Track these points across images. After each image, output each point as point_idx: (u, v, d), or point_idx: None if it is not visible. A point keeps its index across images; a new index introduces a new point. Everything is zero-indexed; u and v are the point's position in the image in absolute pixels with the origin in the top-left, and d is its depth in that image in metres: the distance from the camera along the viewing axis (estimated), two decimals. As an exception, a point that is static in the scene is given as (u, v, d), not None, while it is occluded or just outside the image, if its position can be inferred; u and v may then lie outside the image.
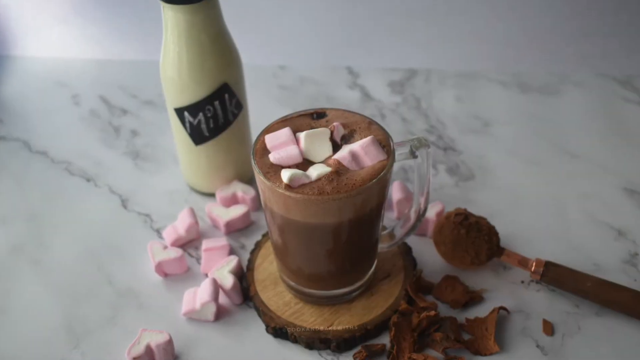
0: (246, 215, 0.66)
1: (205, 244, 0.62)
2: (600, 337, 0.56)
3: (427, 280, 0.60)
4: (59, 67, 0.92)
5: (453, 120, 0.81)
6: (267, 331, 0.57)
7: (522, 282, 0.60)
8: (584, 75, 0.86)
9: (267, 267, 0.61)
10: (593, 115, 0.80)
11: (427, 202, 0.56)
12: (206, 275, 0.62)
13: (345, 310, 0.57)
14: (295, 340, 0.56)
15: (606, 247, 0.63)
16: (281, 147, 0.51)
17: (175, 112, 0.64)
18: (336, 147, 0.52)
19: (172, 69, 0.61)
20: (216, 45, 0.60)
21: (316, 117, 0.55)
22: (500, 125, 0.80)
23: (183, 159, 0.69)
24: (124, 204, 0.70)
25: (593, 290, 0.56)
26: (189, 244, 0.65)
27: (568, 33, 0.87)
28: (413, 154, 0.53)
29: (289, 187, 0.48)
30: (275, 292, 0.59)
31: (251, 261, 0.62)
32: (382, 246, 0.59)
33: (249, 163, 0.70)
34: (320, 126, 0.53)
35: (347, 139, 0.52)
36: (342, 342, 0.55)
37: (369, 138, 0.50)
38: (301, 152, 0.50)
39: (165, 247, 0.62)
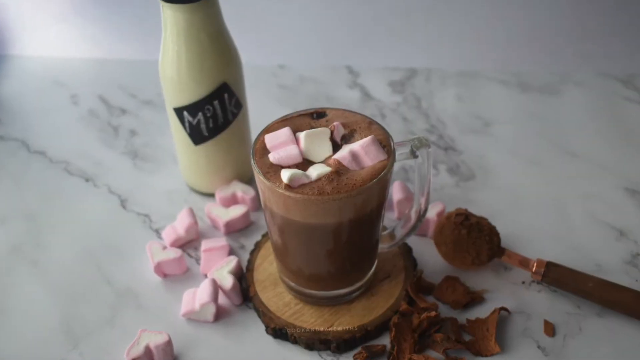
0: (246, 215, 0.66)
1: (204, 245, 0.62)
2: (601, 338, 0.55)
3: (428, 280, 0.60)
4: (57, 67, 0.91)
5: (454, 120, 0.80)
6: (267, 332, 0.56)
7: (523, 282, 0.60)
8: (585, 75, 0.86)
9: (267, 268, 0.61)
10: (594, 114, 0.80)
11: (427, 202, 0.56)
12: (205, 275, 0.61)
13: (345, 311, 0.57)
14: (295, 341, 0.56)
15: (608, 247, 0.63)
16: (281, 147, 0.51)
17: (174, 111, 0.63)
18: (336, 147, 0.51)
19: (171, 69, 0.60)
20: (215, 45, 0.60)
21: (316, 116, 0.54)
22: (501, 125, 0.80)
23: (182, 158, 0.69)
24: (123, 204, 0.70)
25: (594, 291, 0.56)
26: (189, 244, 0.65)
27: (569, 32, 0.86)
28: (413, 154, 0.53)
29: (288, 187, 0.48)
30: (275, 293, 0.58)
31: (251, 262, 0.61)
32: (383, 246, 0.58)
33: (249, 163, 0.69)
34: (320, 126, 0.53)
35: (347, 138, 0.52)
36: (342, 343, 0.55)
37: (369, 138, 0.50)
38: (301, 152, 0.50)
39: (165, 248, 0.62)
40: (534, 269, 0.58)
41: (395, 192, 0.66)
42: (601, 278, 0.57)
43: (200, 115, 0.63)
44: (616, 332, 0.56)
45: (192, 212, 0.65)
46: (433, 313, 0.54)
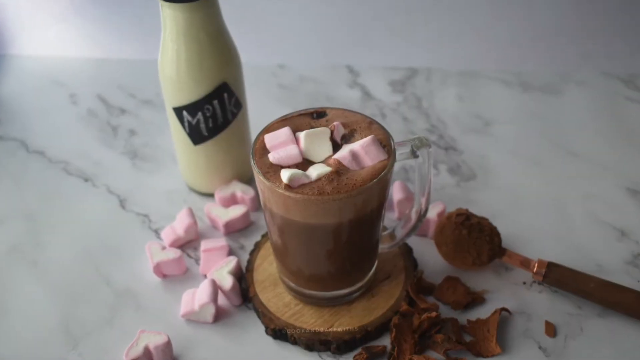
0: (245, 215, 0.66)
1: (204, 245, 0.62)
2: (603, 339, 0.55)
3: (428, 281, 0.60)
4: (56, 66, 0.91)
5: (454, 120, 0.80)
6: (267, 333, 0.56)
7: (524, 283, 0.60)
8: (586, 74, 0.86)
9: (267, 268, 0.60)
10: (596, 114, 0.80)
11: (428, 202, 0.56)
12: (205, 276, 0.61)
13: (345, 312, 0.57)
14: (295, 341, 0.55)
15: (609, 247, 0.63)
16: (281, 146, 0.50)
17: (173, 111, 0.63)
18: (336, 147, 0.51)
19: (170, 68, 0.60)
20: (215, 44, 0.60)
21: (316, 116, 0.54)
22: (502, 125, 0.79)
23: (182, 158, 0.69)
24: (122, 204, 0.70)
25: (596, 291, 0.56)
26: (188, 244, 0.65)
27: (570, 31, 0.86)
28: (414, 154, 0.53)
29: (288, 187, 0.48)
30: (275, 293, 0.58)
31: (250, 262, 0.61)
32: (383, 247, 0.58)
33: (248, 163, 0.69)
34: (320, 125, 0.53)
35: (347, 138, 0.52)
36: (342, 344, 0.54)
37: (369, 138, 0.50)
38: (301, 152, 0.50)
39: (164, 248, 0.62)
40: (535, 269, 0.57)
41: (396, 192, 0.66)
42: (602, 279, 0.57)
43: (199, 115, 0.62)
44: (617, 332, 0.55)
45: (191, 212, 0.65)
46: (433, 314, 0.54)
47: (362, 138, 0.51)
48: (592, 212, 0.67)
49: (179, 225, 0.64)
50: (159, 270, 0.61)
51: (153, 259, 0.61)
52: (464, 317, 0.57)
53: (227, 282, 0.58)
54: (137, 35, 0.90)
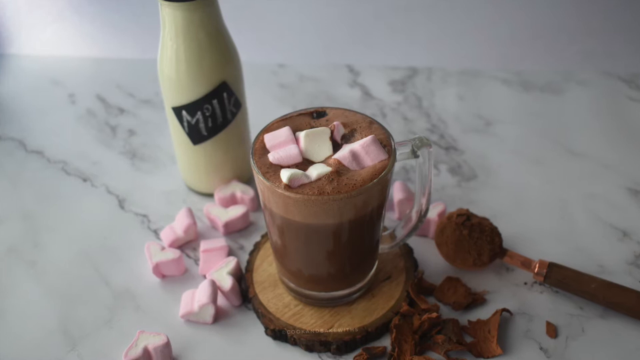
0: (245, 215, 0.65)
1: (203, 245, 0.62)
2: (604, 340, 0.55)
3: (429, 281, 0.59)
4: (54, 66, 0.91)
5: (455, 120, 0.80)
6: (266, 333, 0.56)
7: (525, 283, 0.60)
8: (588, 74, 0.86)
9: (267, 269, 0.60)
10: (597, 114, 0.80)
11: (428, 202, 0.55)
12: (204, 276, 0.61)
13: (345, 312, 0.56)
14: (294, 342, 0.55)
15: (611, 248, 0.63)
16: (280, 146, 0.50)
17: (173, 111, 0.63)
18: (336, 147, 0.51)
19: (169, 68, 0.60)
20: (214, 43, 0.60)
21: (316, 116, 0.54)
22: (503, 125, 0.79)
23: (181, 158, 0.68)
24: (121, 204, 0.70)
25: (597, 292, 0.56)
26: (187, 244, 0.64)
27: (572, 31, 0.86)
28: (414, 154, 0.52)
29: (288, 187, 0.48)
30: (275, 294, 0.58)
31: (250, 262, 0.61)
32: (383, 247, 0.58)
33: (248, 163, 0.69)
34: (321, 125, 0.53)
35: (347, 138, 0.52)
36: (342, 345, 0.54)
37: (369, 137, 0.50)
38: (301, 152, 0.50)
39: (163, 248, 0.62)
40: (536, 269, 0.57)
41: (396, 192, 0.66)
42: (604, 279, 0.57)
43: (199, 115, 0.62)
44: (619, 333, 0.55)
45: (190, 213, 0.64)
46: (434, 314, 0.54)
47: (362, 138, 0.51)
48: (593, 213, 0.66)
49: (178, 226, 0.64)
50: (158, 270, 0.61)
51: (152, 259, 0.60)
52: (464, 318, 0.57)
53: (227, 282, 0.58)
54: (136, 34, 0.90)
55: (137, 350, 0.53)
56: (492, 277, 0.60)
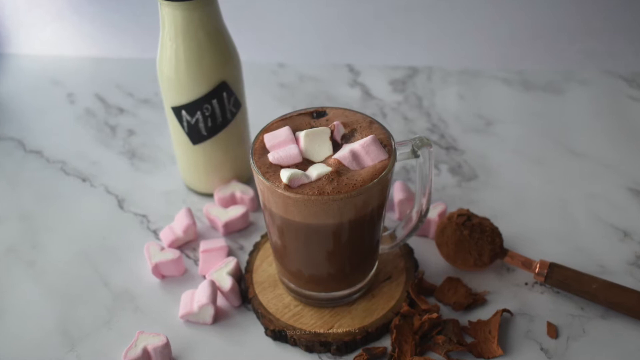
0: (245, 216, 0.65)
1: (203, 245, 0.61)
2: (605, 340, 0.55)
3: (429, 282, 0.59)
4: (53, 65, 0.91)
5: (455, 119, 0.80)
6: (266, 334, 0.56)
7: (526, 284, 0.59)
8: (589, 73, 0.86)
9: (266, 269, 0.60)
10: (598, 113, 0.80)
11: (429, 202, 0.55)
12: (204, 277, 0.61)
13: (345, 313, 0.56)
14: (294, 343, 0.55)
15: (611, 248, 0.62)
16: (280, 146, 0.50)
17: (172, 110, 0.63)
18: (336, 147, 0.51)
19: (169, 67, 0.60)
20: (214, 43, 0.59)
21: (316, 115, 0.54)
22: (504, 124, 0.79)
23: (180, 158, 0.68)
24: (121, 204, 0.69)
25: (598, 292, 0.56)
26: (187, 245, 0.64)
27: (573, 30, 0.86)
28: (415, 154, 0.52)
29: (288, 187, 0.47)
30: (275, 294, 0.58)
31: (250, 263, 0.61)
32: (384, 247, 0.58)
33: (248, 163, 0.69)
34: (321, 125, 0.52)
35: (347, 138, 0.52)
36: (342, 345, 0.54)
37: (370, 137, 0.49)
38: (301, 152, 0.50)
39: (163, 249, 0.62)
40: (537, 270, 0.57)
41: (396, 192, 0.66)
42: (605, 279, 0.56)
43: (198, 115, 0.62)
44: (620, 334, 0.55)
45: (190, 213, 0.64)
46: (434, 315, 0.54)
47: (362, 138, 0.51)
48: (594, 213, 0.66)
49: (177, 226, 0.64)
50: (158, 271, 0.60)
51: (151, 259, 0.60)
52: (465, 318, 0.56)
53: (226, 283, 0.57)
54: (136, 34, 0.90)
55: (137, 351, 0.53)
56: (493, 277, 0.60)
